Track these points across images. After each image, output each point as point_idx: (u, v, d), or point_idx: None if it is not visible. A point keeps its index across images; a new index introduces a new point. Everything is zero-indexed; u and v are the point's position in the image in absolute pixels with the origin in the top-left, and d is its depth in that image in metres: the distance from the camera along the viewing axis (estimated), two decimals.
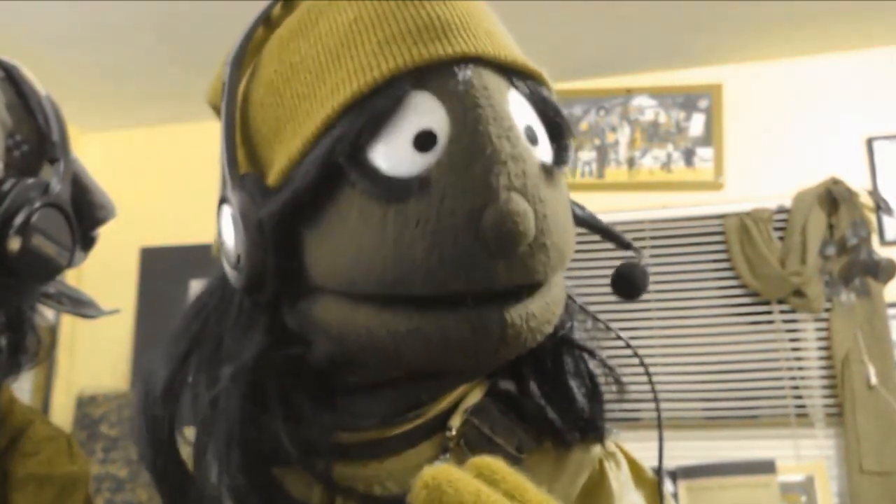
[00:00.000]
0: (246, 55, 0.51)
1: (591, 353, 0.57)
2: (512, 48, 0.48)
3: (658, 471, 0.56)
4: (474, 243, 0.41)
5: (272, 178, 0.47)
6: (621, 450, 0.57)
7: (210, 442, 0.49)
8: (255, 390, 0.48)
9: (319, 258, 0.46)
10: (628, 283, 0.55)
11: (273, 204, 0.45)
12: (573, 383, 0.55)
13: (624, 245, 0.57)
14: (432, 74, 0.44)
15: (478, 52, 0.45)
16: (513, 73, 0.47)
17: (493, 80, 0.45)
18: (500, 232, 0.40)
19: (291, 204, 0.45)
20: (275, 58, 0.50)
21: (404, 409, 0.51)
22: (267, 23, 0.52)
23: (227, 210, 0.48)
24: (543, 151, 0.47)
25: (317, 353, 0.50)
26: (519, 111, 0.46)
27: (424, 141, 0.43)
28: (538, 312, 0.45)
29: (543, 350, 0.53)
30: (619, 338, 0.58)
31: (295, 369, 0.50)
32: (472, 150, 0.42)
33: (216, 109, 0.54)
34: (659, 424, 0.57)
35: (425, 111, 0.44)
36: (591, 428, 0.55)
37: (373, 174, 0.43)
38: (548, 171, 0.46)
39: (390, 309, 0.44)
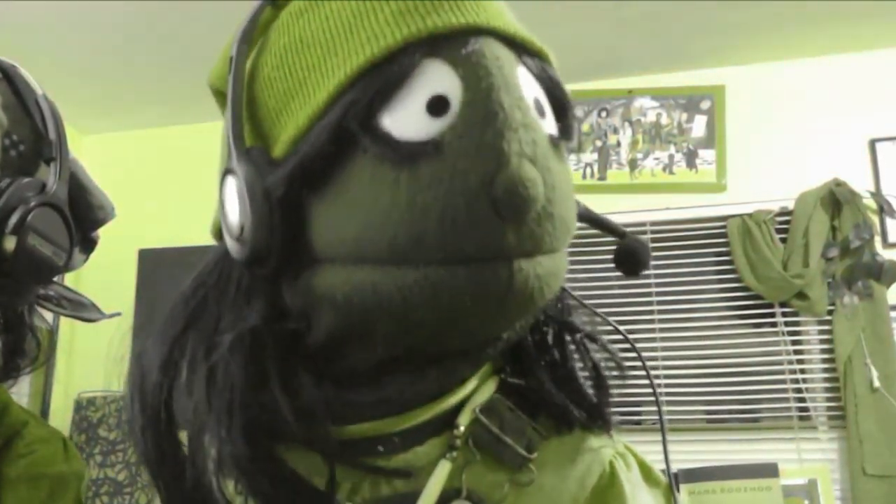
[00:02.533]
0: (254, 33, 0.51)
1: (593, 339, 0.57)
2: (519, 25, 0.49)
3: (667, 472, 0.56)
4: (486, 207, 0.41)
5: (278, 149, 0.47)
6: (631, 451, 0.57)
7: (208, 420, 0.48)
8: (254, 363, 0.48)
9: (326, 226, 0.46)
10: (631, 259, 0.56)
11: (281, 171, 0.45)
12: (578, 370, 0.56)
13: (619, 234, 0.58)
14: (445, 43, 0.45)
15: (490, 24, 0.46)
16: (521, 49, 0.48)
17: (503, 52, 0.46)
18: (512, 196, 0.41)
19: (300, 170, 0.45)
20: (284, 33, 0.50)
21: (409, 398, 0.50)
22: (274, 3, 0.52)
23: (231, 181, 0.47)
24: (550, 125, 0.48)
25: (318, 329, 0.49)
26: (527, 84, 0.47)
27: (437, 106, 0.44)
28: (545, 262, 0.45)
29: (547, 339, 0.55)
30: (617, 331, 0.58)
31: (294, 348, 0.49)
32: (485, 115, 0.43)
33: (217, 93, 0.54)
34: (661, 424, 0.57)
35: (438, 77, 0.44)
36: (598, 414, 0.56)
37: (385, 139, 0.43)
38: (555, 144, 0.47)
39: (396, 265, 0.44)
